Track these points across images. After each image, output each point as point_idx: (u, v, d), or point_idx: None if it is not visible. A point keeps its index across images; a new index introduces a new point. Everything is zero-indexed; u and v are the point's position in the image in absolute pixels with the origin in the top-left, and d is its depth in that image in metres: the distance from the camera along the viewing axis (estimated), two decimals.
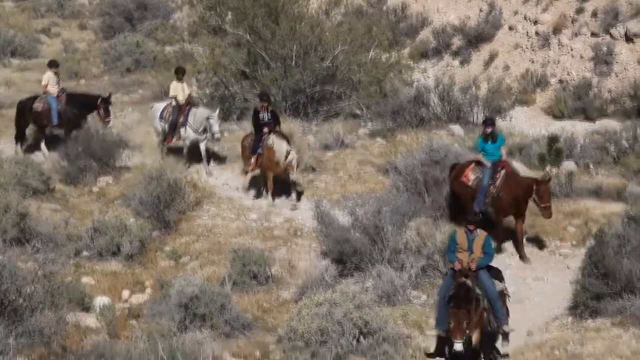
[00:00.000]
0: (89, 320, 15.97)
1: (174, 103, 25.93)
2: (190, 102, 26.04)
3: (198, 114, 25.43)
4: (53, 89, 27.22)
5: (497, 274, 15.66)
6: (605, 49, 32.90)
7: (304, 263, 19.91)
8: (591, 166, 24.96)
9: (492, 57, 36.89)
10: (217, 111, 25.74)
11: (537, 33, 35.96)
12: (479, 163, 20.46)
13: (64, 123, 26.86)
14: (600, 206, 21.85)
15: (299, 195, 23.60)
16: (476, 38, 38.38)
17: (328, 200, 22.73)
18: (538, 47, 35.55)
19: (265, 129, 23.36)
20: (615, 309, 16.18)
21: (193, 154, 26.06)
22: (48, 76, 27.48)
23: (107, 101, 27.12)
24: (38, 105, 27.06)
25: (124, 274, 19.43)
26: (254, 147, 23.42)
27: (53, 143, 27.24)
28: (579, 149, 25.80)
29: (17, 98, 32.48)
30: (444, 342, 15.06)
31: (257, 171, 24.05)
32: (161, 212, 21.84)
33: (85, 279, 18.71)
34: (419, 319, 17.13)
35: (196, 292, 16.28)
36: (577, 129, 28.98)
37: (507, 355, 15.55)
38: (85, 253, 20.36)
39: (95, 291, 17.89)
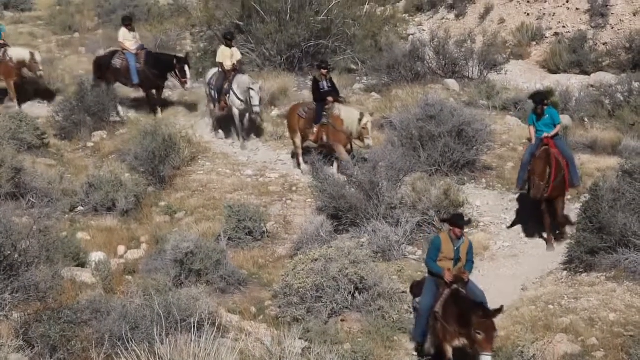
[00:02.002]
0: (85, 275, 15.99)
1: (220, 69, 24.59)
2: (236, 69, 24.52)
3: (241, 82, 23.93)
4: (130, 46, 26.04)
5: None
6: (600, 1, 32.78)
7: (299, 219, 19.91)
8: (586, 120, 24.99)
9: (488, 10, 36.72)
10: (260, 83, 24.29)
11: None
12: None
13: (143, 83, 25.87)
14: (595, 160, 21.88)
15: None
16: None
17: (323, 156, 22.76)
18: None
19: (330, 98, 21.94)
20: (610, 263, 16.18)
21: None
22: (123, 33, 26.23)
23: (182, 61, 25.60)
24: (117, 62, 26.03)
25: (119, 229, 19.43)
26: (317, 117, 21.94)
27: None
28: (574, 103, 25.85)
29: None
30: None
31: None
32: (156, 168, 21.79)
33: (80, 234, 18.69)
34: (414, 275, 17.13)
35: (191, 247, 16.31)
36: (573, 82, 29.00)
37: None
38: (80, 208, 20.38)
39: (90, 246, 17.89)
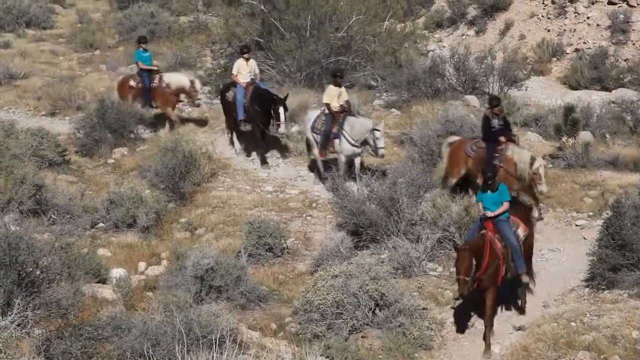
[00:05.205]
0: (106, 292, 15.98)
1: (326, 111, 22.26)
2: (345, 110, 22.20)
3: (357, 124, 21.69)
4: (242, 79, 24.09)
5: None
6: (622, 17, 32.77)
7: (319, 235, 19.91)
8: (608, 136, 24.86)
9: (508, 26, 36.70)
10: (383, 123, 22.25)
11: (553, 1, 35.80)
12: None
13: (249, 118, 24.00)
14: (617, 177, 21.77)
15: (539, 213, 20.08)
16: (492, 7, 38.26)
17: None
18: (554, 15, 35.38)
19: (502, 138, 19.70)
20: (632, 280, 16.11)
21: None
22: (238, 64, 24.35)
23: (278, 102, 22.99)
24: (230, 95, 24.39)
25: (139, 245, 19.44)
26: (489, 159, 19.65)
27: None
28: (595, 119, 25.70)
29: (31, 69, 32.70)
30: None
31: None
32: (176, 184, 21.79)
33: (101, 251, 18.71)
34: (435, 291, 17.12)
35: (212, 264, 16.33)
36: (594, 98, 28.89)
37: None
38: (101, 225, 20.40)
39: (111, 263, 17.88)
